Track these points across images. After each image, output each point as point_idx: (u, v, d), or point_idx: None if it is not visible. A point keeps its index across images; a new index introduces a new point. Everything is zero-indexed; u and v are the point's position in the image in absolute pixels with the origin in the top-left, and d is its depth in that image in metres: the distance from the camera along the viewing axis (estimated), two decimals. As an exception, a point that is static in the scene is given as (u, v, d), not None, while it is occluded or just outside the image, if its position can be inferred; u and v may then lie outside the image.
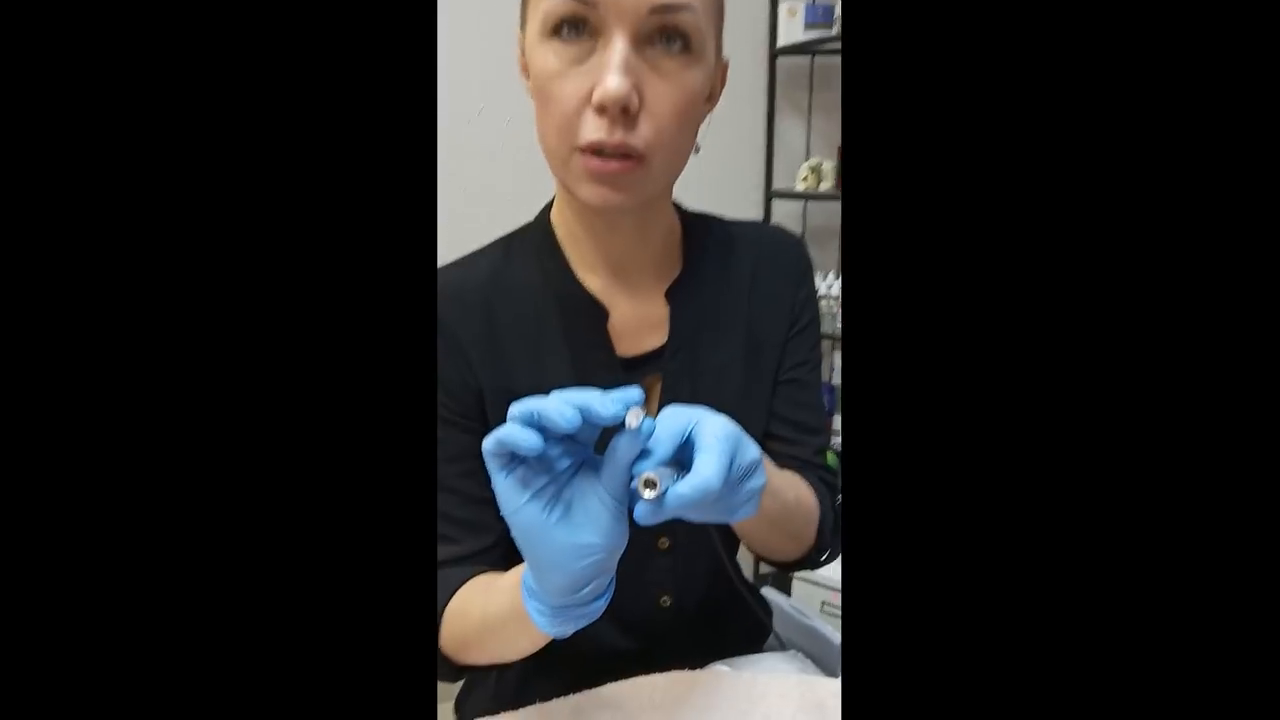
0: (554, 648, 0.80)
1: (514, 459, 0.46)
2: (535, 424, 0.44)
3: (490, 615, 0.63)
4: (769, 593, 0.94)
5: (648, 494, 0.45)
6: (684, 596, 0.77)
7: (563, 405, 0.44)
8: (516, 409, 0.45)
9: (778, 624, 0.88)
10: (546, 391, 0.73)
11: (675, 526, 0.73)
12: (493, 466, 0.46)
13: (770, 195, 1.93)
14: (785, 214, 1.99)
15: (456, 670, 0.70)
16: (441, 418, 0.70)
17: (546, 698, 0.73)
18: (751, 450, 0.50)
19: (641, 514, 0.46)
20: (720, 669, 0.72)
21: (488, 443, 0.44)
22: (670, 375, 0.73)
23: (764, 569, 1.86)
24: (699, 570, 0.77)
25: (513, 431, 0.44)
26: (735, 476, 0.48)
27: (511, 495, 0.46)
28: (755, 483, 0.50)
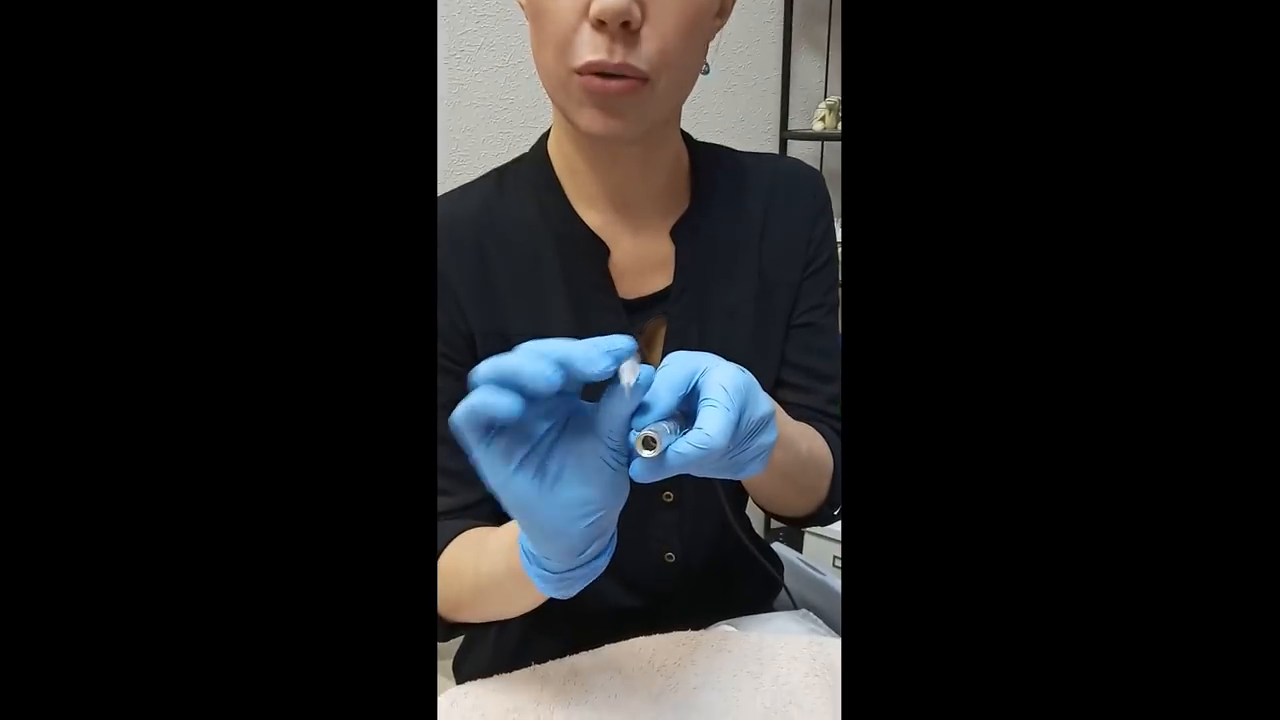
0: (554, 605, 0.77)
1: (491, 427, 0.40)
2: (511, 385, 0.38)
3: (485, 576, 0.59)
4: (780, 548, 0.89)
5: (646, 453, 0.40)
6: (689, 552, 0.73)
7: (541, 363, 0.38)
8: (485, 369, 0.38)
9: (789, 579, 0.84)
10: (543, 337, 0.69)
11: (681, 480, 0.69)
12: (469, 439, 0.40)
13: (785, 136, 1.86)
14: (800, 156, 1.91)
15: (449, 628, 0.67)
16: None
17: (546, 657, 0.69)
18: (763, 404, 0.45)
19: (639, 472, 0.42)
20: (725, 629, 0.68)
21: (458, 413, 0.38)
22: (675, 319, 0.68)
23: (775, 524, 1.83)
24: (705, 525, 0.73)
25: (486, 397, 0.38)
26: (744, 433, 0.43)
27: (496, 468, 0.40)
28: (766, 439, 0.45)
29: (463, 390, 0.39)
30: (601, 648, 0.66)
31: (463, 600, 0.63)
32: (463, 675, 0.82)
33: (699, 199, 0.69)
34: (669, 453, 0.41)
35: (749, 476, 0.47)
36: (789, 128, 1.86)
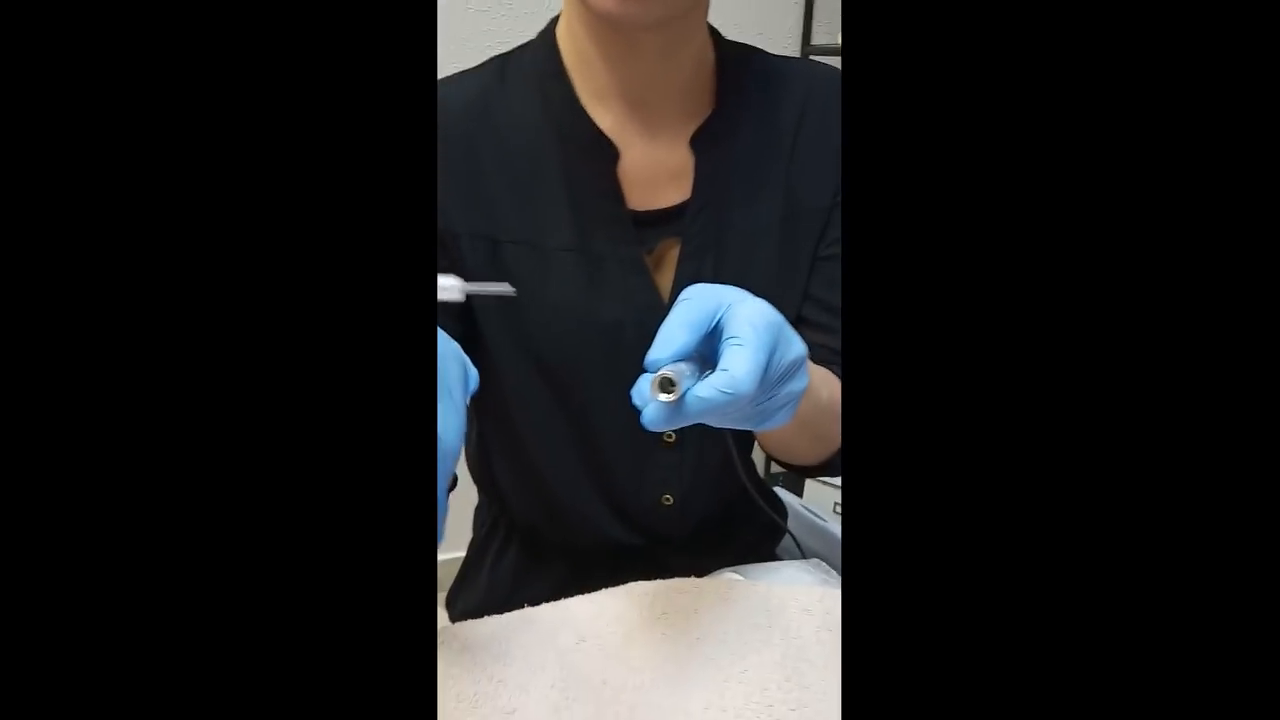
0: (548, 539, 0.73)
1: None
2: None
3: None
4: (780, 492, 0.85)
5: (664, 397, 0.35)
6: (689, 496, 0.68)
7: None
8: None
9: (791, 525, 0.80)
10: (539, 246, 0.62)
11: None
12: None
13: (807, 51, 1.76)
14: (821, 74, 1.81)
15: None
16: None
17: (540, 595, 0.65)
18: (795, 345, 0.40)
19: (654, 418, 0.37)
20: (731, 577, 0.63)
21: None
22: (690, 240, 0.61)
23: (775, 467, 1.80)
24: (707, 468, 0.68)
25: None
26: (772, 377, 0.38)
27: None
28: (796, 386, 0.40)
29: None
30: (597, 592, 0.62)
31: None
32: (456, 611, 0.79)
33: (724, 105, 0.61)
34: (688, 397, 0.36)
35: (773, 428, 0.42)
36: (811, 42, 1.75)
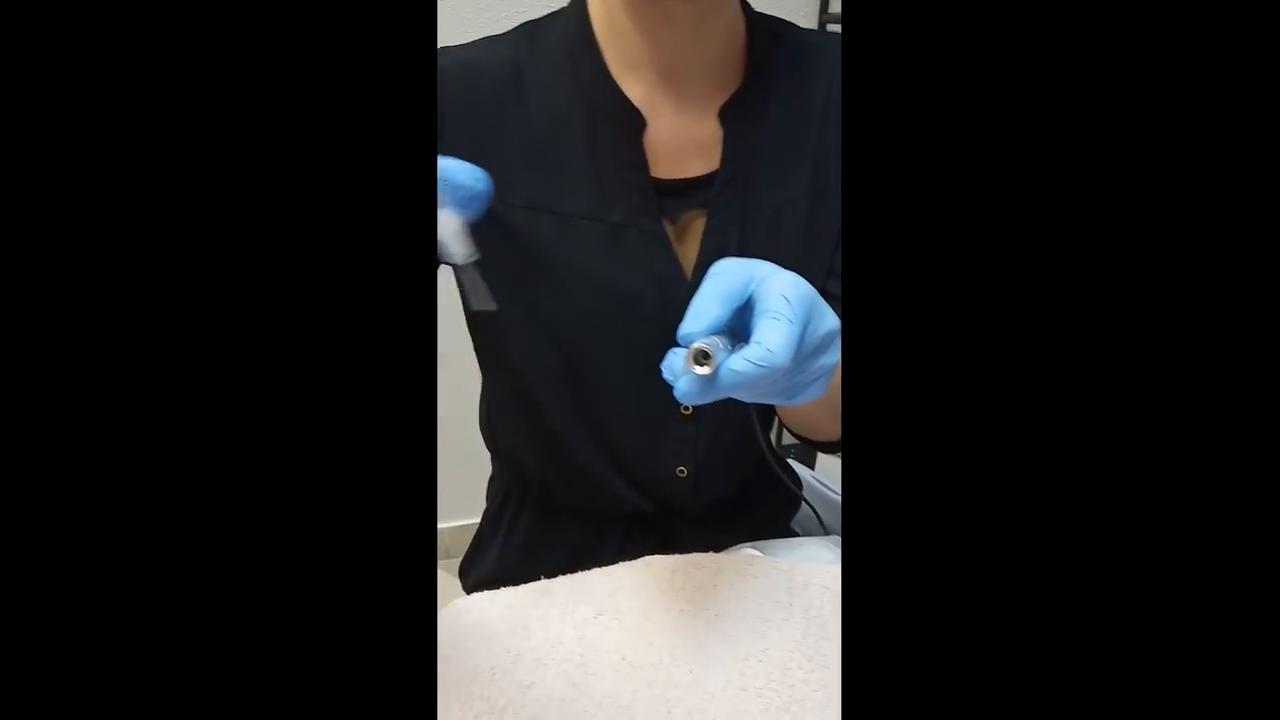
0: (561, 504, 0.72)
1: None
2: None
3: None
4: (792, 464, 0.84)
5: (699, 369, 0.34)
6: (704, 469, 0.67)
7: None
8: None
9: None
10: (560, 213, 0.61)
11: None
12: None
13: (825, 20, 1.72)
14: (838, 44, 1.77)
15: None
16: None
17: (554, 563, 0.65)
18: (829, 319, 0.38)
19: (688, 391, 0.35)
20: (749, 552, 0.63)
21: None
22: (716, 212, 0.60)
23: (788, 438, 1.79)
24: (724, 442, 0.67)
25: None
26: (806, 351, 0.37)
27: None
28: (829, 359, 0.39)
29: None
30: (614, 566, 0.61)
31: None
32: (470, 581, 0.78)
33: (754, 77, 0.60)
34: (722, 370, 0.35)
35: (804, 402, 0.41)
36: (829, 10, 1.72)
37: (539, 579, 0.72)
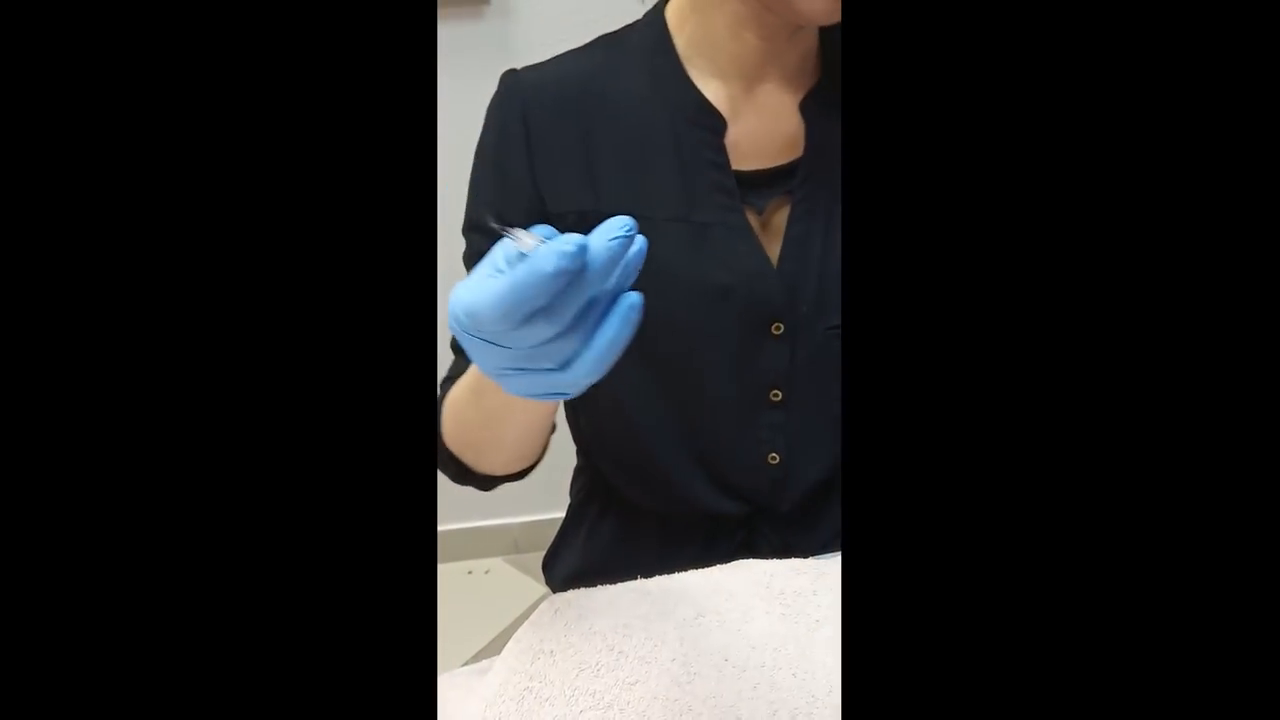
0: (642, 505, 0.73)
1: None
2: None
3: (462, 393, 0.59)
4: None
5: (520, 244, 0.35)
6: (796, 455, 0.67)
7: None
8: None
9: None
10: (646, 217, 0.62)
11: (792, 378, 0.63)
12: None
13: None
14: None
15: (485, 479, 0.65)
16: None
17: (636, 563, 0.65)
18: (614, 320, 0.35)
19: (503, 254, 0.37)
20: (847, 560, 0.62)
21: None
22: (799, 203, 0.61)
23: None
24: (816, 428, 0.67)
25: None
26: (577, 295, 0.34)
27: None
28: (601, 338, 0.35)
29: None
30: (710, 568, 0.61)
31: (468, 436, 0.61)
32: (554, 577, 0.79)
33: (831, 72, 0.63)
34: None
35: (577, 391, 0.37)
36: None
37: (627, 576, 0.73)
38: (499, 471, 0.65)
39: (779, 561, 0.60)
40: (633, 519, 0.74)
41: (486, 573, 1.70)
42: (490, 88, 0.63)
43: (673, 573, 0.68)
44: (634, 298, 0.35)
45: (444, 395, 0.63)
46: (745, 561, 0.61)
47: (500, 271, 0.35)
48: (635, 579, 0.72)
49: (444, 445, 0.63)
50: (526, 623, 0.57)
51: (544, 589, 0.80)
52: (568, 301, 0.33)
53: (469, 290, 0.35)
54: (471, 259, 0.65)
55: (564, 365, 0.36)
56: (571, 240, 0.32)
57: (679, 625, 0.55)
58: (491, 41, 1.29)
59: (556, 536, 0.81)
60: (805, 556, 0.70)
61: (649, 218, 0.60)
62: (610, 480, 0.74)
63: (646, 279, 0.61)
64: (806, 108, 0.61)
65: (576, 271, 0.32)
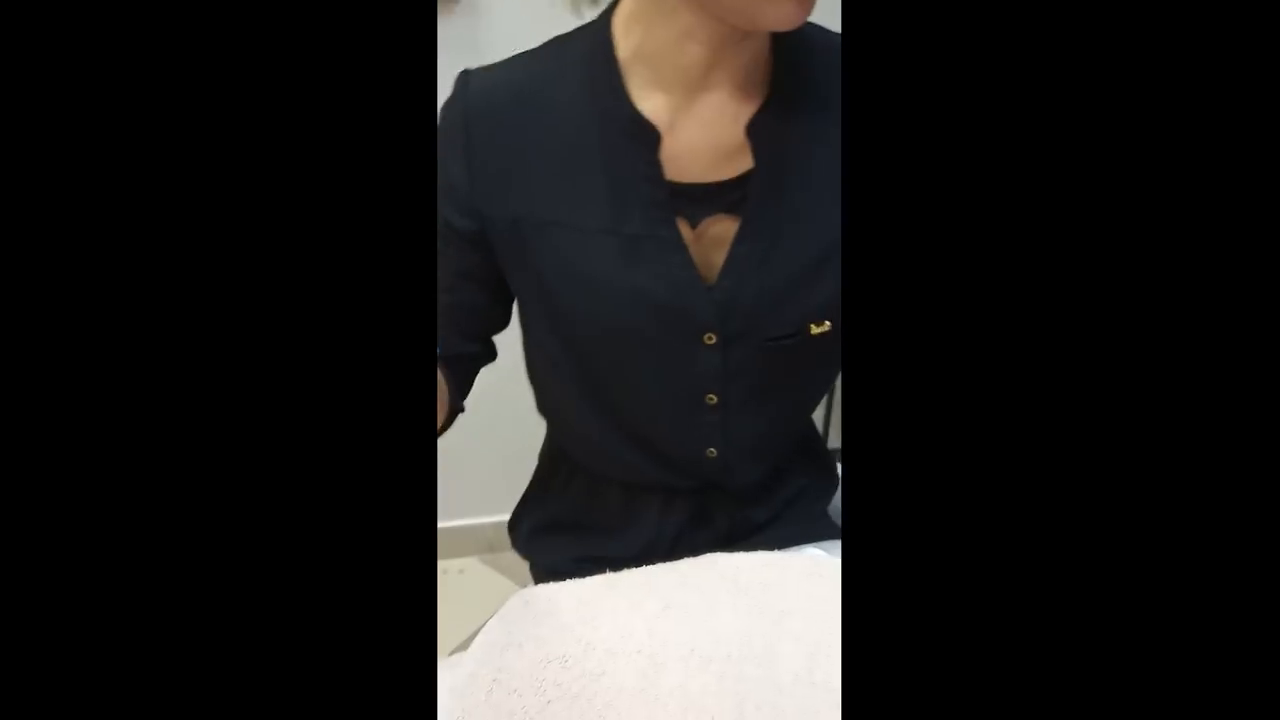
0: (605, 475, 0.75)
1: None
2: None
3: None
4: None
5: None
6: (734, 452, 0.69)
7: None
8: None
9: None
10: (577, 227, 0.60)
11: (727, 384, 0.64)
12: None
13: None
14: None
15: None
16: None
17: (604, 515, 0.72)
18: None
19: None
20: (815, 553, 0.63)
21: None
22: (748, 222, 0.59)
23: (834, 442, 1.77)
24: (752, 431, 0.69)
25: None
26: None
27: None
28: None
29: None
30: (679, 561, 0.62)
31: None
32: (523, 530, 0.83)
33: (783, 86, 0.59)
34: None
35: None
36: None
37: (594, 527, 0.75)
38: None
39: (746, 555, 0.61)
40: (597, 479, 0.76)
41: (461, 572, 1.69)
42: (456, 88, 0.63)
43: (639, 529, 0.73)
44: None
45: None
46: (713, 555, 0.62)
47: None
48: (602, 533, 0.75)
49: None
50: (495, 615, 0.58)
51: (519, 589, 0.81)
52: None
53: None
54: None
55: None
56: None
57: (647, 618, 0.56)
58: (460, 41, 1.29)
59: (523, 496, 0.83)
60: (761, 520, 0.73)
61: (580, 228, 0.59)
62: (571, 455, 0.78)
63: (579, 288, 0.62)
64: (755, 125, 0.58)
65: None
